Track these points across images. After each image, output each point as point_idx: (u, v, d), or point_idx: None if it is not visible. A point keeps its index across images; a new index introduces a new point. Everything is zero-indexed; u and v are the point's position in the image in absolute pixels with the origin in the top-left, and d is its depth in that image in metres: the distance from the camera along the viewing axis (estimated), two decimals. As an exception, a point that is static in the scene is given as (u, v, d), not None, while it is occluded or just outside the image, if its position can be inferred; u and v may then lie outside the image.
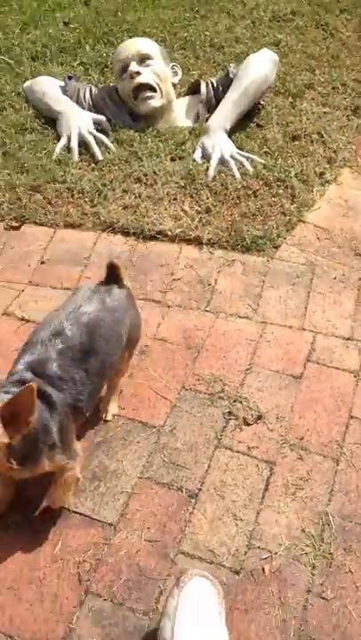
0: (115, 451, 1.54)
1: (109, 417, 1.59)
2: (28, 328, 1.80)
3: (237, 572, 1.34)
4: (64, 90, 2.55)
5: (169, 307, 1.86)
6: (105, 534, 1.40)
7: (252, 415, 1.60)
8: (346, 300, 1.88)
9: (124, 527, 1.42)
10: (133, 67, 2.41)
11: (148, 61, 2.45)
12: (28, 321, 1.82)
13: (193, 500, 1.46)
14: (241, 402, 1.63)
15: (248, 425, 1.58)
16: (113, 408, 1.60)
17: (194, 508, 1.44)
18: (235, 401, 1.63)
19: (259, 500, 1.45)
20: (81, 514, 1.43)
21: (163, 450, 1.54)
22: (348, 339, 1.78)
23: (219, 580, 1.31)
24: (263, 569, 1.35)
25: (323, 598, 1.30)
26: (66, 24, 3.15)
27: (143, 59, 2.45)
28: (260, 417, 1.60)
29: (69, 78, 2.58)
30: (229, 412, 1.61)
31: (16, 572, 1.35)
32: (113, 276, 1.47)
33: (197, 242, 2.03)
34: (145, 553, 1.37)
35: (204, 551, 1.38)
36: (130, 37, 2.83)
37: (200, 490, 1.47)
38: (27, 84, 2.66)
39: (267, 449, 1.54)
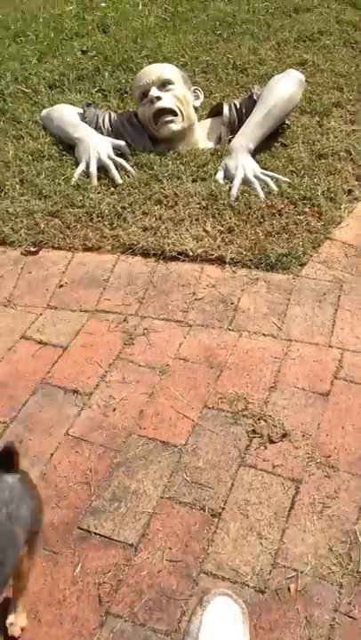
0: (135, 471, 1.65)
1: (17, 632, 1.39)
2: (47, 351, 1.96)
3: (262, 592, 1.43)
4: (83, 117, 2.76)
5: (190, 326, 1.99)
6: (126, 555, 1.50)
7: (276, 433, 1.70)
8: (375, 317, 1.99)
9: (145, 547, 1.51)
10: (154, 92, 2.61)
11: (169, 86, 2.65)
12: (46, 344, 1.97)
13: (216, 520, 1.55)
14: (265, 420, 1.73)
15: (273, 443, 1.68)
16: (21, 620, 1.40)
17: (217, 528, 1.54)
18: (259, 419, 1.74)
19: (284, 519, 1.54)
20: (101, 535, 1.54)
21: (185, 469, 1.65)
22: (379, 355, 1.88)
23: (243, 599, 1.40)
24: (289, 588, 1.43)
25: (350, 617, 1.37)
26: (84, 52, 3.41)
27: (164, 84, 2.65)
28: (285, 435, 1.70)
29: (88, 105, 2.80)
30: (253, 431, 1.71)
31: (35, 594, 1.45)
32: (6, 461, 1.28)
33: (220, 261, 2.18)
34: (167, 573, 1.47)
35: (228, 570, 1.46)
36: (150, 63, 3.07)
37: (223, 509, 1.57)
38: (44, 112, 2.90)
39: (292, 467, 1.64)
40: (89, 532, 1.54)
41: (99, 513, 1.57)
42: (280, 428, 1.71)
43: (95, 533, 1.54)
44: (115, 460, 1.68)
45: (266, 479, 1.61)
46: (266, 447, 1.68)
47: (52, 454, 1.69)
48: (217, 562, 1.48)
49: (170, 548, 1.51)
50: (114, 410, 1.79)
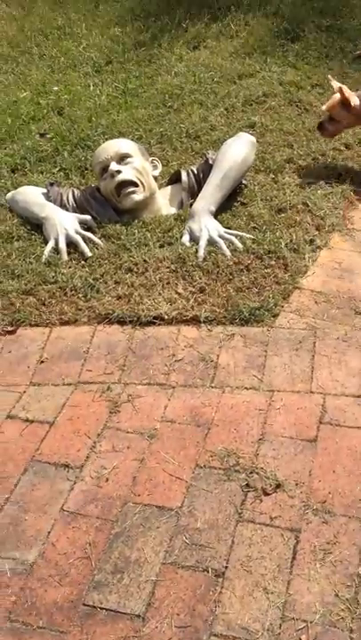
0: (134, 539, 1.64)
1: None
2: (34, 428, 1.95)
3: (275, 647, 1.41)
4: (47, 196, 2.83)
5: (173, 387, 2.01)
6: (134, 626, 1.48)
7: (270, 485, 1.71)
8: (351, 359, 2.03)
9: (152, 617, 1.49)
10: (113, 166, 2.70)
11: (128, 159, 2.74)
12: (32, 421, 1.97)
13: (220, 580, 1.54)
14: (258, 472, 1.74)
15: (267, 495, 1.69)
16: None
17: (222, 587, 1.52)
18: (251, 472, 1.74)
19: (288, 570, 1.53)
20: (107, 609, 1.51)
21: (183, 532, 1.64)
22: (359, 396, 1.91)
23: (257, 657, 1.38)
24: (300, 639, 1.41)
25: (367, 662, 1.36)
26: (42, 135, 3.52)
27: (122, 158, 2.74)
28: (278, 485, 1.70)
29: (51, 185, 2.88)
30: (247, 485, 1.72)
31: None
32: None
33: (195, 321, 2.22)
34: (177, 640, 1.45)
35: (238, 630, 1.45)
36: (106, 139, 3.17)
37: (226, 568, 1.56)
38: (9, 195, 2.96)
39: (290, 517, 1.64)
40: (95, 607, 1.52)
41: (102, 587, 1.55)
42: (273, 479, 1.72)
43: (101, 608, 1.51)
44: (113, 530, 1.66)
45: (265, 532, 1.61)
46: (261, 500, 1.68)
47: (49, 532, 1.67)
48: (226, 622, 1.46)
49: (177, 614, 1.49)
50: (107, 480, 1.78)
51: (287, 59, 4.02)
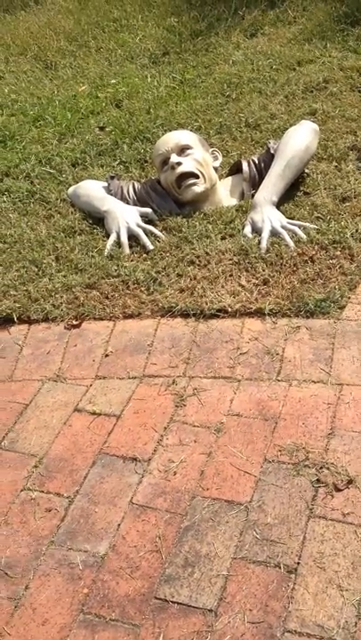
0: (204, 534, 1.64)
1: None
2: (101, 422, 1.97)
3: (351, 646, 1.39)
4: (108, 189, 2.85)
5: (239, 381, 2.00)
6: (206, 621, 1.48)
7: (342, 480, 1.68)
8: None
9: (224, 611, 1.49)
10: (174, 158, 2.69)
11: (188, 151, 2.73)
12: (99, 414, 1.99)
13: (293, 576, 1.52)
14: (328, 467, 1.71)
15: (339, 490, 1.66)
16: None
17: (295, 584, 1.51)
18: (321, 467, 1.72)
19: (363, 568, 1.51)
20: (179, 603, 1.52)
21: (254, 527, 1.63)
22: None
23: (332, 656, 1.36)
24: (378, 639, 1.39)
25: None
26: (101, 128, 3.53)
27: (182, 149, 2.73)
28: (350, 481, 1.67)
29: (111, 178, 2.89)
30: (318, 480, 1.69)
31: (118, 669, 1.43)
32: None
33: (259, 313, 2.19)
34: (250, 636, 1.44)
35: (313, 627, 1.43)
36: (165, 131, 3.17)
37: (299, 564, 1.54)
38: (70, 189, 2.99)
39: (363, 513, 1.61)
40: (166, 600, 1.52)
41: (173, 580, 1.56)
42: (345, 474, 1.69)
43: (173, 602, 1.52)
44: (182, 524, 1.66)
45: (338, 529, 1.59)
46: (333, 496, 1.65)
47: (118, 525, 1.69)
48: (300, 619, 1.45)
49: (250, 610, 1.48)
50: (175, 473, 1.79)
51: (347, 43, 3.92)
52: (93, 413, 2.00)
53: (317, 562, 1.54)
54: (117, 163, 3.22)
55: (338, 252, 2.38)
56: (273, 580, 1.52)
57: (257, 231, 2.52)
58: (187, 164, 2.69)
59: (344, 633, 1.41)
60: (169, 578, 1.56)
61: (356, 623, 1.42)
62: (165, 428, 1.92)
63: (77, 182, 3.02)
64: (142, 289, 2.40)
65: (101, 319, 2.33)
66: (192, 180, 2.69)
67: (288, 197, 2.69)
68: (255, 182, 2.77)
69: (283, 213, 2.58)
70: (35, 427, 2.00)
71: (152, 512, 1.71)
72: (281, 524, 1.62)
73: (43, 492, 1.80)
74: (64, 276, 2.51)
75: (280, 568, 1.54)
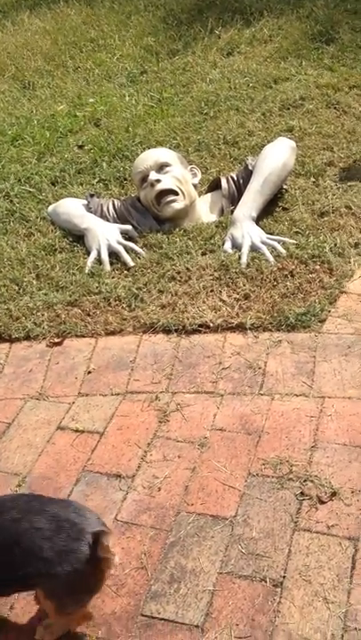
0: (189, 549, 1.64)
1: None
2: (85, 439, 1.97)
3: (338, 658, 1.39)
4: (87, 207, 2.86)
5: (222, 396, 2.01)
6: (193, 637, 1.48)
7: (325, 492, 1.69)
8: None
9: (211, 627, 1.49)
10: (153, 175, 2.72)
11: (167, 168, 2.76)
12: (82, 432, 1.99)
13: (279, 589, 1.53)
14: (312, 480, 1.73)
15: (323, 503, 1.67)
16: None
17: (281, 597, 1.51)
18: (305, 480, 1.73)
19: (348, 580, 1.52)
20: (165, 619, 1.52)
21: (239, 541, 1.63)
22: None
23: (319, 668, 1.37)
24: (365, 650, 1.40)
25: None
26: (80, 147, 3.55)
27: (161, 167, 2.76)
28: (334, 493, 1.69)
29: (91, 196, 2.91)
30: (301, 493, 1.71)
31: None
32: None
33: (241, 328, 2.21)
34: (237, 651, 1.44)
35: (299, 640, 1.43)
36: (144, 149, 3.20)
37: (284, 577, 1.55)
38: (50, 208, 3.00)
39: (347, 525, 1.62)
40: (152, 617, 1.52)
41: (159, 597, 1.55)
42: (328, 487, 1.70)
43: (159, 618, 1.52)
44: (167, 540, 1.67)
45: (323, 541, 1.60)
46: (317, 508, 1.67)
47: (103, 542, 1.69)
48: (286, 633, 1.45)
49: (237, 625, 1.48)
50: (159, 489, 1.79)
51: (323, 61, 4.00)
52: (77, 431, 2.00)
53: (303, 575, 1.54)
54: (97, 181, 3.24)
55: (317, 267, 2.41)
56: (259, 594, 1.53)
57: (237, 247, 2.55)
58: (166, 182, 2.72)
59: (331, 645, 1.41)
60: (155, 594, 1.56)
61: (342, 635, 1.42)
62: (149, 444, 1.92)
63: (57, 201, 3.03)
64: (124, 305, 2.41)
65: (83, 336, 2.34)
66: (171, 197, 2.71)
67: (267, 213, 2.72)
68: (234, 198, 2.81)
69: (262, 229, 2.61)
70: (18, 445, 1.99)
71: (137, 528, 1.71)
72: (266, 537, 1.63)
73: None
74: (45, 294, 2.51)
75: (266, 582, 1.54)
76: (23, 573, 1.39)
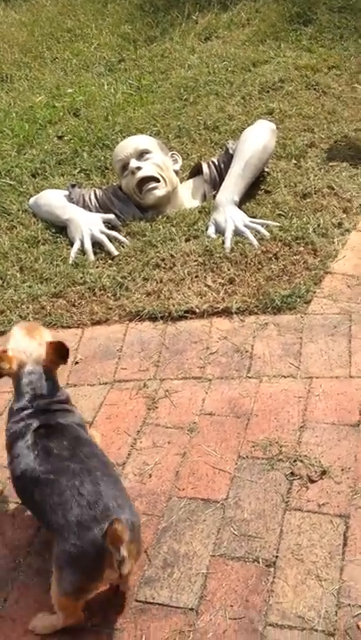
0: (182, 533, 1.65)
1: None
2: (73, 429, 1.96)
3: (332, 634, 1.40)
4: (69, 198, 2.85)
5: (210, 380, 2.02)
6: (188, 620, 1.48)
7: (315, 472, 1.70)
8: (389, 340, 2.01)
9: (206, 609, 1.50)
10: (133, 163, 2.71)
11: (147, 155, 2.75)
12: (71, 422, 1.99)
13: (272, 569, 1.54)
14: (302, 460, 1.73)
15: (313, 482, 1.68)
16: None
17: (274, 577, 1.52)
18: (295, 460, 1.74)
19: (340, 557, 1.53)
20: (160, 604, 1.52)
21: (231, 523, 1.64)
22: None
23: (314, 645, 1.38)
24: (358, 625, 1.40)
25: None
26: (60, 137, 3.53)
27: (142, 154, 2.75)
28: (324, 472, 1.70)
29: (72, 186, 2.89)
30: (292, 473, 1.71)
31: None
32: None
33: (227, 312, 2.22)
34: (232, 632, 1.45)
35: (293, 618, 1.44)
36: (124, 138, 3.18)
37: (277, 557, 1.56)
38: (31, 200, 2.99)
39: (338, 503, 1.63)
40: (147, 602, 1.53)
41: (153, 582, 1.56)
42: (318, 466, 1.71)
43: (153, 603, 1.52)
44: (160, 525, 1.67)
45: (314, 520, 1.61)
46: (308, 488, 1.68)
47: (96, 531, 1.69)
48: (281, 612, 1.46)
49: (231, 606, 1.49)
50: (150, 476, 1.79)
51: (301, 42, 3.99)
52: (65, 421, 2.00)
53: (295, 554, 1.55)
54: (78, 171, 3.23)
55: (301, 248, 2.41)
56: (252, 574, 1.54)
57: (220, 231, 2.54)
58: (147, 169, 2.71)
59: (325, 622, 1.42)
60: (149, 580, 1.57)
61: (336, 612, 1.44)
62: (139, 431, 1.92)
63: (38, 192, 3.01)
64: (109, 295, 2.40)
65: (69, 327, 2.33)
66: (153, 184, 2.70)
67: (249, 196, 2.72)
68: (216, 183, 2.80)
69: (245, 212, 2.61)
70: (7, 438, 1.99)
71: (129, 516, 1.71)
72: (258, 518, 1.64)
73: (18, 501, 1.79)
74: (29, 287, 2.50)
75: (259, 562, 1.55)
76: (48, 520, 1.48)
